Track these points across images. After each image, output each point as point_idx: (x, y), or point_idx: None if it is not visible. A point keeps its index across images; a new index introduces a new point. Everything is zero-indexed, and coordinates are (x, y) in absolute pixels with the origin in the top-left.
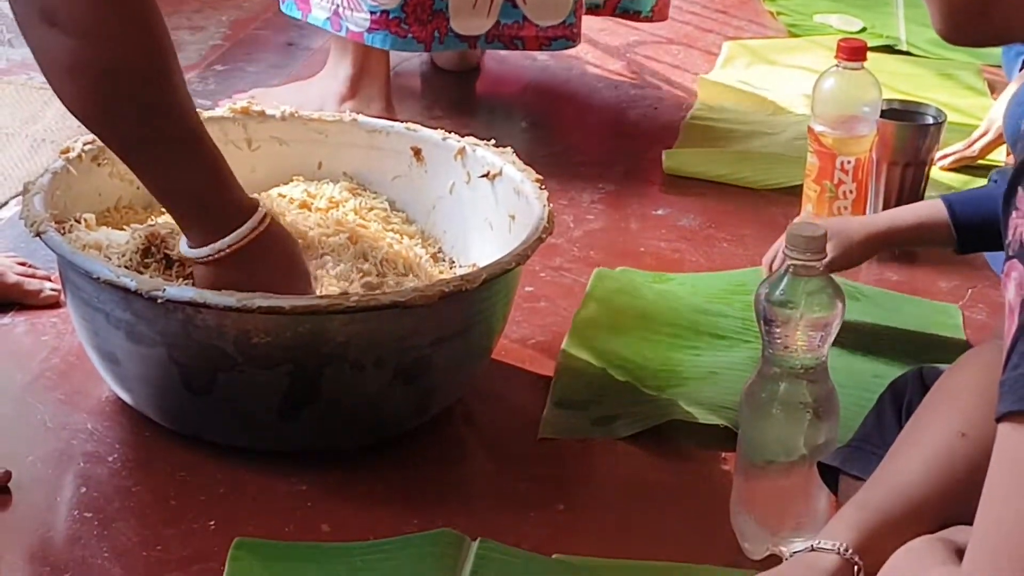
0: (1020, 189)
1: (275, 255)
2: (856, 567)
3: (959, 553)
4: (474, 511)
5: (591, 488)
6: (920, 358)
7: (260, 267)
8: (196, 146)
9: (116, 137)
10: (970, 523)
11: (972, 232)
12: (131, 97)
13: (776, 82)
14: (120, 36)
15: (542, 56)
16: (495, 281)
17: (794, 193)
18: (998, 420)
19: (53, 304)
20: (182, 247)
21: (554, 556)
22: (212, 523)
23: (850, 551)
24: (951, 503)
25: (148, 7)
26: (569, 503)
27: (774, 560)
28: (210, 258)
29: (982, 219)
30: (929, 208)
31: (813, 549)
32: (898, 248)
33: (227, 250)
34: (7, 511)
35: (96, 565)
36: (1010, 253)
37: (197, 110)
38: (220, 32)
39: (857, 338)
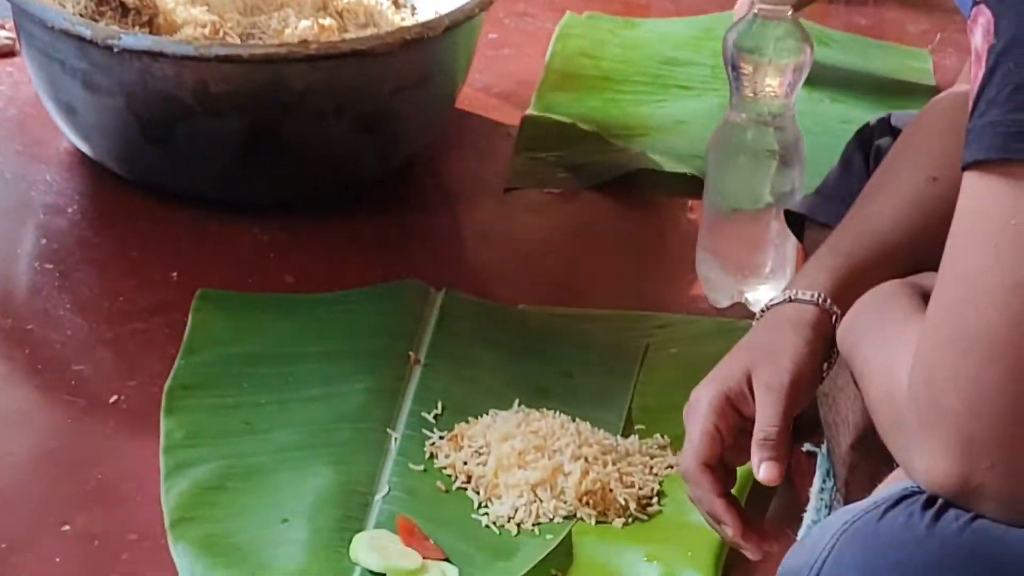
0: None
1: None
2: (833, 316)
3: (926, 297)
4: (439, 262)
5: (557, 237)
6: (889, 104)
7: None
8: None
9: None
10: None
11: None
12: None
13: None
14: None
15: None
16: (457, 28)
17: None
18: (963, 168)
19: (8, 53)
20: None
21: (519, 306)
22: (174, 274)
23: (828, 300)
24: (922, 248)
25: None
26: (535, 253)
27: (739, 308)
28: None
29: None
30: None
31: (791, 300)
32: None
33: None
34: None
35: (58, 316)
36: None
37: None
38: None
39: (825, 84)
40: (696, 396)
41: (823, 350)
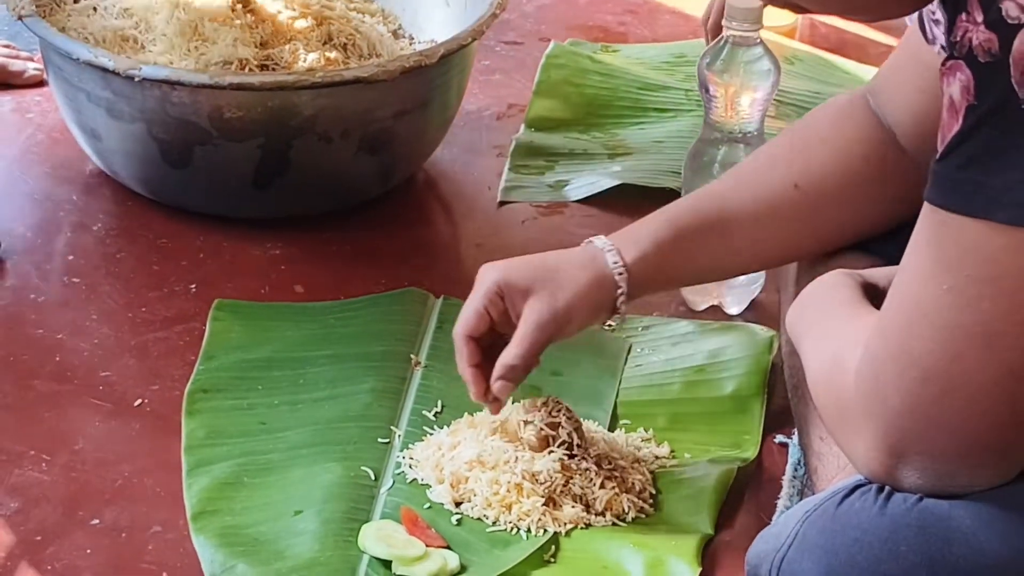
0: None
1: None
2: (619, 288)
3: (866, 289)
4: (437, 271)
5: (547, 247)
6: None
7: None
8: None
9: None
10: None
11: None
12: None
13: None
14: None
15: None
16: (452, 56)
17: None
18: (931, 203)
19: (37, 83)
20: None
21: None
22: (193, 286)
23: (625, 272)
24: (762, 243)
25: None
26: None
27: (715, 311)
28: None
29: None
30: None
31: (606, 250)
32: None
33: None
34: (0, 279)
35: (85, 326)
36: (955, 53)
37: None
38: None
39: (792, 101)
40: (483, 274)
41: (603, 306)
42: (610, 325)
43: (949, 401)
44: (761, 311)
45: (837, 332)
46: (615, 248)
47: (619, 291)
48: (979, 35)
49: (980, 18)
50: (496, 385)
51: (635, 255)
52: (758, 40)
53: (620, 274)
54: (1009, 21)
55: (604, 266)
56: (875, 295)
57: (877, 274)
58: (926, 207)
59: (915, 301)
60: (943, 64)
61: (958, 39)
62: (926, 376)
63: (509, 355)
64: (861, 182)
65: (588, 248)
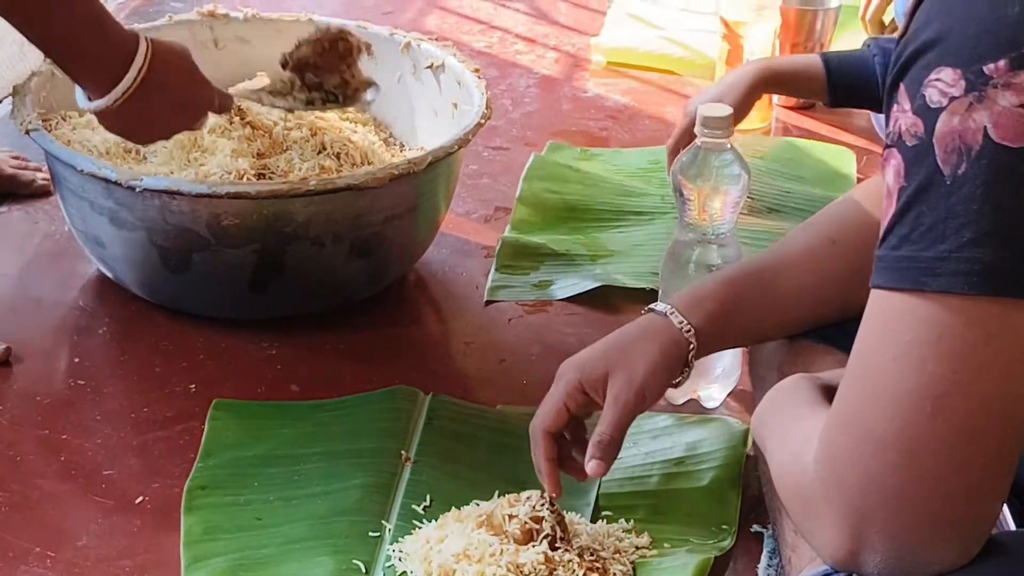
0: (902, 85)
1: (170, 79)
2: (690, 343)
3: (824, 390)
4: (426, 369)
5: (532, 345)
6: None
7: (157, 96)
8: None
9: None
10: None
11: (843, 90)
12: None
13: None
14: None
15: None
16: (440, 163)
17: (710, 77)
18: (873, 287)
19: (44, 193)
20: (79, 101)
21: (498, 407)
22: (193, 386)
23: (691, 330)
24: (808, 295)
25: None
26: (511, 358)
27: (692, 405)
28: (109, 109)
29: (853, 80)
30: (808, 60)
31: (666, 315)
32: (778, 92)
33: (122, 97)
34: (9, 382)
35: (90, 427)
36: (888, 142)
37: None
38: None
39: (762, 198)
40: (562, 372)
41: (677, 367)
42: (677, 381)
43: (903, 471)
44: (737, 404)
45: (797, 429)
46: (676, 310)
47: (691, 347)
48: (906, 121)
49: (908, 106)
50: (591, 464)
51: (700, 314)
52: (728, 146)
53: (688, 331)
54: (931, 106)
55: (671, 328)
56: (833, 396)
57: (835, 377)
58: (871, 295)
59: (863, 377)
60: (882, 156)
61: (891, 128)
62: (880, 446)
63: (598, 434)
64: None
65: (651, 316)
